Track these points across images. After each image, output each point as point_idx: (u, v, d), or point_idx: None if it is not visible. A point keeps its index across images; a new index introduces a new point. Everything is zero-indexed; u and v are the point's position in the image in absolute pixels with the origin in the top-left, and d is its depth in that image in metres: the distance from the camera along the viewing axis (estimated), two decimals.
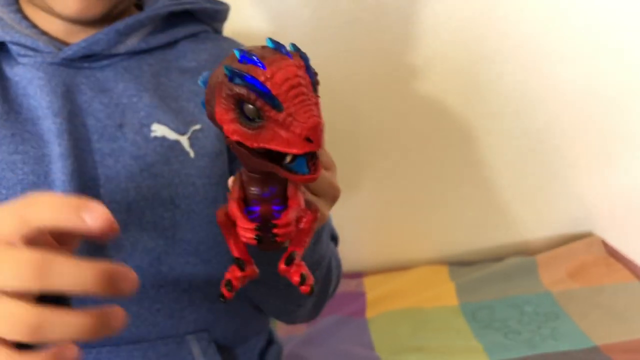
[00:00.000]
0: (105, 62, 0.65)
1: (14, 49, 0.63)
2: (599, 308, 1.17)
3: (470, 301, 1.24)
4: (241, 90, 0.33)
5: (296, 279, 0.39)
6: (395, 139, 1.36)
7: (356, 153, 1.36)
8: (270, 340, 0.78)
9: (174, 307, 0.63)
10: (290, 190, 0.40)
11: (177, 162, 0.63)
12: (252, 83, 0.33)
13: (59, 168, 0.59)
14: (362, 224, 1.41)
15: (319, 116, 0.33)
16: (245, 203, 0.40)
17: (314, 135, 0.32)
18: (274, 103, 0.32)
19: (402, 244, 1.42)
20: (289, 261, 0.39)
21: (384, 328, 1.18)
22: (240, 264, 0.41)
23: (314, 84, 0.34)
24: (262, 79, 0.32)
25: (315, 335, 1.17)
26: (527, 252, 1.39)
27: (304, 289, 0.39)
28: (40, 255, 0.32)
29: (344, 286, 1.34)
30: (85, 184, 0.60)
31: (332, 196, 0.50)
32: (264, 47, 0.34)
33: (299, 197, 0.40)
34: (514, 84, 1.32)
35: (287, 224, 0.39)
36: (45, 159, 0.60)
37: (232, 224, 0.41)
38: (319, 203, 0.48)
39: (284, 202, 0.40)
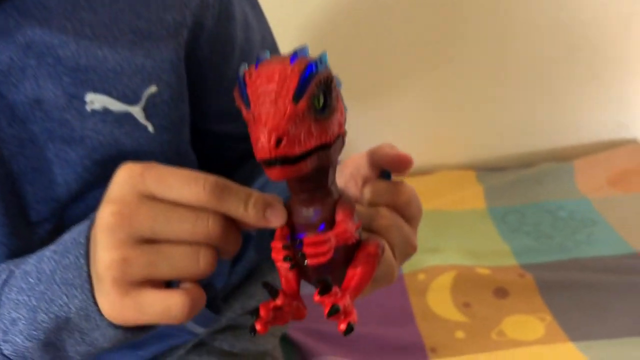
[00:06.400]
0: None
1: None
2: None
3: (499, 205, 1.17)
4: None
5: (326, 310, 0.33)
6: (420, 31, 1.24)
7: (377, 51, 1.25)
8: None
9: None
10: (339, 214, 0.35)
11: (130, 139, 0.49)
12: (238, 80, 0.33)
13: None
14: (384, 126, 1.32)
15: (272, 127, 0.30)
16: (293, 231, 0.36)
17: (263, 141, 0.30)
18: (245, 100, 0.32)
19: (427, 147, 1.32)
20: (323, 290, 0.33)
21: None
22: (271, 291, 0.35)
23: (301, 93, 0.31)
24: (246, 76, 0.32)
25: None
26: (562, 159, 1.29)
27: (339, 327, 0.33)
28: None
29: None
30: (5, 186, 0.46)
31: (406, 254, 0.41)
32: (290, 52, 0.32)
33: (348, 223, 0.35)
34: None
35: (317, 243, 0.33)
36: None
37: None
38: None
39: (330, 227, 0.35)
